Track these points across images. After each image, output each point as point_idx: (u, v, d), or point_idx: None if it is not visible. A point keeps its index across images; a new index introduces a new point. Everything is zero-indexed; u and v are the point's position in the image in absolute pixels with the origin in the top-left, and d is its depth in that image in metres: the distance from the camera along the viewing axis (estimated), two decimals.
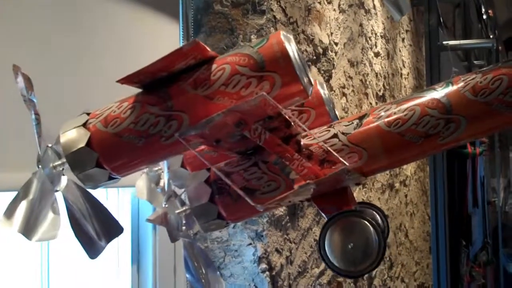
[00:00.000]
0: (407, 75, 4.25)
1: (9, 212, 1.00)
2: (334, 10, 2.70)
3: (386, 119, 1.10)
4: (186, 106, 0.95)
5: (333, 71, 2.63)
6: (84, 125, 1.00)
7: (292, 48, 0.94)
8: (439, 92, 1.10)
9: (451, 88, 1.10)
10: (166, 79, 0.97)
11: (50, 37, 1.41)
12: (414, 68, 4.52)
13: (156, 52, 1.86)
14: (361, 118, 1.13)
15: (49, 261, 1.45)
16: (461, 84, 1.10)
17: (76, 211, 1.06)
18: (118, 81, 0.97)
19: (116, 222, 1.14)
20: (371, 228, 1.06)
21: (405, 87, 4.16)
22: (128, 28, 1.72)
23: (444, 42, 3.64)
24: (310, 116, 1.23)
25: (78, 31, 1.50)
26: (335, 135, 1.11)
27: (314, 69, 2.41)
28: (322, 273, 2.40)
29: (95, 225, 1.08)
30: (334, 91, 2.65)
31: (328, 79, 2.58)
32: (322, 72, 2.51)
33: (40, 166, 1.04)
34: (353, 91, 2.92)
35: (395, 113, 1.10)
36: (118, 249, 1.73)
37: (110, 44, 1.63)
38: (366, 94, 3.18)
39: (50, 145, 1.05)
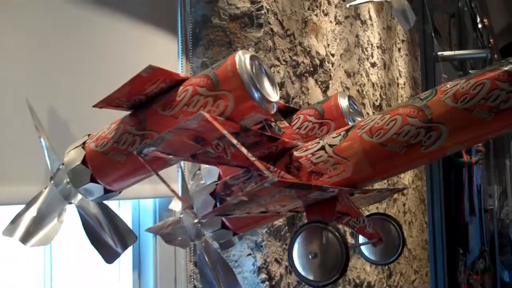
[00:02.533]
0: (404, 84, 4.28)
1: (15, 221, 1.14)
2: (331, 22, 2.74)
3: (369, 130, 1.10)
4: (156, 126, 1.04)
5: (330, 82, 2.66)
6: (83, 145, 1.13)
7: (246, 67, 0.98)
8: (422, 101, 1.08)
9: (434, 96, 1.08)
10: (146, 102, 1.06)
11: (48, 50, 1.44)
12: (411, 78, 4.55)
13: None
14: (348, 130, 1.14)
15: (52, 268, 1.47)
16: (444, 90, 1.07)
17: (91, 221, 1.20)
18: (93, 106, 1.08)
19: (131, 231, 1.27)
20: (335, 239, 1.04)
21: (401, 96, 4.19)
22: (127, 42, 1.74)
23: (439, 53, 3.67)
24: (330, 128, 1.28)
25: (76, 45, 1.52)
26: (322, 147, 1.13)
27: (311, 81, 2.44)
28: None
29: (112, 234, 1.21)
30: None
31: (325, 90, 2.61)
32: (319, 83, 2.54)
33: (52, 182, 1.18)
34: None
35: (378, 124, 1.10)
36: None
37: (109, 58, 1.65)
38: (363, 104, 3.21)
39: (61, 165, 1.18)
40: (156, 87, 1.02)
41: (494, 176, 7.75)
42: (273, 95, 1.01)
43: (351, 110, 1.31)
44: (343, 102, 1.30)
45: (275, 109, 1.02)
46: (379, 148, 1.09)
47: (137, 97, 1.05)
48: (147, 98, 1.06)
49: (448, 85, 1.08)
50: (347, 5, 2.67)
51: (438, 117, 1.05)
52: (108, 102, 1.05)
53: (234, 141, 0.91)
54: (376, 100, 3.49)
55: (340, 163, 1.11)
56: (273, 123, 1.29)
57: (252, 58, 1.00)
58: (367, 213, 1.35)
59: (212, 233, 1.28)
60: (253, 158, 0.91)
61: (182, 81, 1.03)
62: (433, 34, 3.79)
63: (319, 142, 1.14)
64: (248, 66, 0.98)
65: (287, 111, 1.37)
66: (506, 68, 1.02)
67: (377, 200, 1.46)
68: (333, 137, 1.14)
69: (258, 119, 1.03)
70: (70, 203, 1.20)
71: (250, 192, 0.92)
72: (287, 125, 1.32)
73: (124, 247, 1.25)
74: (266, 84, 1.01)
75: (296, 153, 1.13)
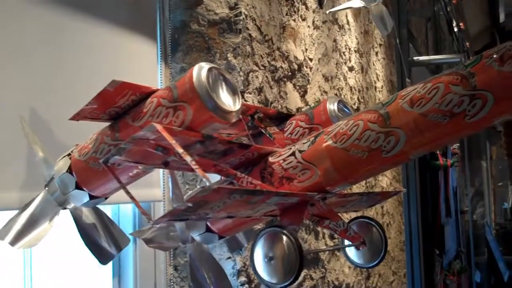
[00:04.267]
0: (381, 88, 4.33)
1: (7, 225, 1.21)
2: (309, 26, 2.77)
3: (334, 136, 1.12)
4: (126, 136, 1.08)
5: (308, 86, 2.69)
6: (70, 154, 1.19)
7: (202, 80, 1.02)
8: (383, 106, 1.09)
9: (393, 101, 1.08)
10: (123, 113, 1.12)
11: (28, 57, 1.44)
12: (388, 81, 4.60)
13: (134, 72, 1.90)
14: (316, 135, 1.16)
15: (32, 274, 1.48)
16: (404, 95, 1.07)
17: (85, 225, 1.28)
18: (70, 119, 1.13)
19: (124, 234, 1.36)
20: (290, 243, 1.06)
21: (379, 99, 4.23)
22: (106, 48, 1.75)
23: (415, 58, 3.70)
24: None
25: (54, 52, 1.53)
26: (293, 153, 1.16)
27: (289, 85, 2.47)
28: (300, 285, 2.44)
29: (106, 237, 1.30)
30: (310, 105, 2.70)
31: (303, 94, 2.63)
32: (298, 87, 2.57)
33: (46, 189, 1.26)
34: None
35: (342, 129, 1.11)
36: None
37: (87, 64, 1.66)
38: None
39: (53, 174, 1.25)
40: (127, 100, 1.07)
41: (469, 177, 7.85)
42: (233, 105, 1.05)
43: (340, 114, 1.33)
44: (331, 106, 1.33)
45: (236, 118, 1.05)
46: (342, 153, 1.10)
47: (112, 109, 1.09)
48: (122, 109, 1.10)
49: (408, 90, 1.09)
50: (327, 12, 2.70)
51: (395, 122, 1.06)
52: (83, 115, 1.10)
53: (180, 150, 0.95)
54: (354, 104, 3.53)
55: (308, 169, 1.13)
56: (264, 130, 1.32)
57: (210, 70, 1.04)
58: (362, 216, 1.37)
59: (198, 236, 1.31)
60: (196, 166, 0.94)
61: (152, 93, 1.08)
62: (412, 38, 3.84)
63: (291, 148, 1.17)
64: (204, 79, 1.01)
65: (281, 117, 1.41)
66: (461, 72, 1.02)
67: (370, 204, 1.48)
68: (303, 143, 1.16)
69: (218, 128, 1.07)
70: (65, 208, 1.27)
71: (193, 198, 0.94)
72: (278, 131, 1.35)
73: (119, 249, 1.33)
74: (225, 94, 1.05)
75: (270, 159, 1.16)
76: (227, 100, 1.04)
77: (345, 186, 1.18)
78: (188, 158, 0.94)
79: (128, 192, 1.08)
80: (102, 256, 1.29)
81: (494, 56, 0.98)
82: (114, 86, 1.04)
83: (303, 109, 2.40)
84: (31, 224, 1.21)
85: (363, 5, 2.10)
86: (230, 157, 1.12)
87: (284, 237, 1.06)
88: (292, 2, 2.56)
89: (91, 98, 1.07)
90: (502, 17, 9.46)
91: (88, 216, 1.30)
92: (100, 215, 1.31)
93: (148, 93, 1.08)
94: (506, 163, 9.50)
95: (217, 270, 1.48)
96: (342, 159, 1.10)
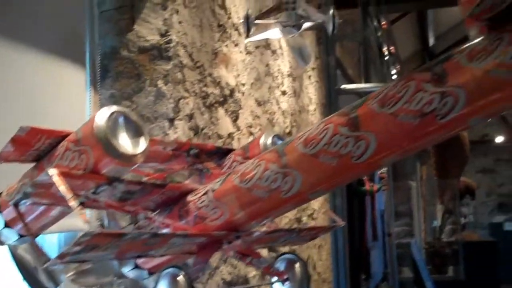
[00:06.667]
0: (314, 111, 4.39)
1: None
2: (241, 52, 2.79)
3: (241, 175, 1.11)
4: None
5: (240, 111, 2.71)
6: (0, 194, 1.18)
7: (102, 125, 1.03)
8: (281, 146, 1.08)
9: (289, 144, 1.07)
10: (45, 155, 1.12)
11: None
12: (321, 104, 4.68)
13: (63, 98, 1.87)
14: (228, 174, 1.15)
15: None
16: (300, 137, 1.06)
17: (23, 260, 1.31)
18: None
19: (62, 268, 1.37)
20: (186, 284, 1.06)
21: (311, 123, 4.29)
22: (34, 74, 1.73)
23: (342, 87, 3.72)
24: None
25: None
26: (206, 192, 1.15)
27: (221, 111, 2.48)
28: None
29: (44, 271, 1.31)
30: (242, 131, 2.72)
31: (235, 119, 2.65)
32: (230, 112, 2.58)
33: None
34: (260, 129, 3.01)
35: (248, 168, 1.11)
36: None
37: (15, 92, 1.63)
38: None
39: None
40: (43, 143, 1.08)
41: (393, 199, 8.00)
42: (136, 148, 1.06)
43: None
44: (265, 141, 1.34)
45: (142, 160, 1.07)
46: (247, 193, 1.10)
47: (32, 152, 1.09)
48: (43, 151, 1.10)
49: (304, 132, 1.06)
50: (245, 41, 2.70)
51: (291, 163, 1.05)
52: (3, 158, 1.09)
53: (69, 195, 0.95)
54: (287, 127, 3.57)
55: (218, 208, 1.13)
56: (201, 165, 1.33)
57: (112, 114, 1.05)
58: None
59: (128, 272, 1.29)
60: (82, 211, 0.95)
61: (66, 136, 1.09)
62: (340, 66, 3.89)
63: (206, 187, 1.17)
64: (104, 123, 1.03)
65: (222, 152, 1.41)
66: (434, 69, 0.95)
67: (306, 240, 1.47)
68: (216, 182, 1.16)
69: (122, 171, 1.08)
70: (2, 244, 1.26)
71: (77, 242, 0.94)
72: (215, 166, 1.35)
73: (56, 284, 1.34)
74: (126, 138, 1.06)
75: (188, 197, 1.17)
76: (129, 144, 1.05)
77: (254, 226, 1.18)
78: (73, 203, 0.95)
79: (35, 245, 1.08)
80: None
81: (464, 52, 0.94)
82: (24, 131, 1.05)
83: (219, 134, 2.42)
84: None
85: (280, 36, 2.10)
86: (149, 196, 1.13)
87: (181, 279, 1.07)
88: (225, 28, 2.58)
89: (7, 142, 1.07)
90: (431, 41, 9.79)
91: (25, 251, 1.31)
92: (37, 249, 1.33)
93: (63, 136, 1.09)
94: (436, 182, 9.75)
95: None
96: (246, 199, 1.10)
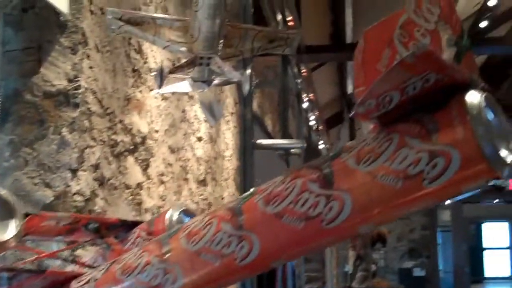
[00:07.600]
0: (231, 156, 4.34)
1: None
2: (156, 97, 2.71)
3: (122, 266, 1.03)
4: None
5: (151, 159, 2.62)
6: None
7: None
8: (165, 237, 1.02)
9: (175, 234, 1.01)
10: None
11: None
12: (238, 149, 4.63)
13: None
14: (112, 263, 1.07)
15: None
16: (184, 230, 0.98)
17: None
18: None
19: None
20: None
21: (227, 168, 4.23)
22: None
23: (258, 141, 3.63)
24: None
25: None
26: (88, 281, 1.06)
27: (130, 159, 2.38)
28: None
29: None
30: (152, 180, 2.62)
31: (146, 168, 2.55)
32: (140, 161, 2.48)
33: None
34: (172, 177, 2.92)
35: (130, 260, 1.03)
36: None
37: None
38: (186, 180, 3.19)
39: None
40: None
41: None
42: (3, 234, 1.02)
43: (180, 223, 1.27)
44: (170, 216, 1.27)
45: (14, 243, 1.04)
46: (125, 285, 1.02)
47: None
48: None
49: (188, 223, 1.00)
50: (151, 93, 2.59)
51: (173, 258, 0.98)
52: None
53: None
54: (201, 175, 3.49)
55: None
56: (100, 241, 1.25)
57: None
58: None
59: None
60: None
61: None
62: (257, 120, 3.84)
63: (90, 274, 1.08)
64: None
65: (128, 225, 1.32)
66: (322, 167, 0.88)
67: None
68: (100, 270, 1.08)
69: None
70: None
71: None
72: (116, 242, 1.27)
73: None
74: None
75: (73, 285, 1.07)
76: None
77: None
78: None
79: None
80: None
81: (352, 151, 0.86)
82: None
83: (127, 184, 2.32)
84: None
85: (189, 91, 2.01)
86: (30, 281, 1.04)
87: None
88: (140, 73, 2.50)
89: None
90: (350, 88, 10.01)
91: None
92: None
93: None
94: None
95: None
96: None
